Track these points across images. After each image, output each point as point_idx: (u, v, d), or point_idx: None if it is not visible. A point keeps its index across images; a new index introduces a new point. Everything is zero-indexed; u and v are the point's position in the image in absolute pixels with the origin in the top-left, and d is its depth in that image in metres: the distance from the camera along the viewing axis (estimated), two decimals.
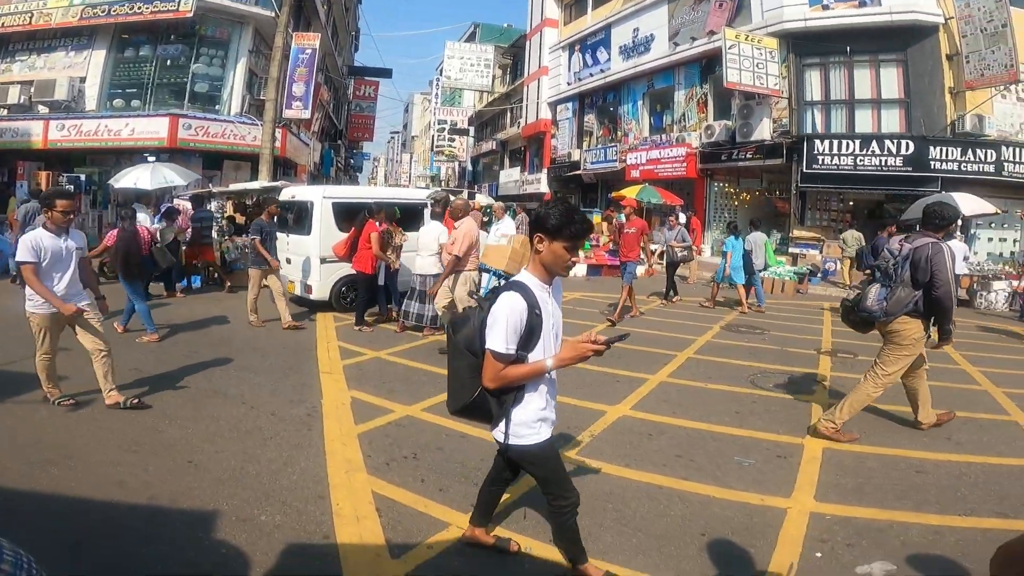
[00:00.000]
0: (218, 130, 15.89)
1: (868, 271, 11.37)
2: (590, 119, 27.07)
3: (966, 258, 13.21)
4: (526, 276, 2.61)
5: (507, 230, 10.35)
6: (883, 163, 15.56)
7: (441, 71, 40.23)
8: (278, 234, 9.00)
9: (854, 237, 15.41)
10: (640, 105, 23.69)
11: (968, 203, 13.43)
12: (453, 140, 44.51)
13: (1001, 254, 16.39)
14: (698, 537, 3.39)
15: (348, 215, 8.99)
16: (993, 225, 16.32)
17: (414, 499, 3.69)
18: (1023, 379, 7.13)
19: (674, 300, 11.93)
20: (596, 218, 21.15)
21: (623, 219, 9.35)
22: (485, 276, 10.06)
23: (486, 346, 2.51)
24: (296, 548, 3.16)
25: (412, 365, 6.72)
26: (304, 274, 9.42)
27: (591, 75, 26.15)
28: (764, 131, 17.76)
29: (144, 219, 10.08)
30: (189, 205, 12.39)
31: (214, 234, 11.81)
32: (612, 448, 4.61)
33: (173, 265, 10.14)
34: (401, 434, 4.73)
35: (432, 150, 51.19)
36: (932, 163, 15.23)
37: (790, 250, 16.54)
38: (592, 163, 25.60)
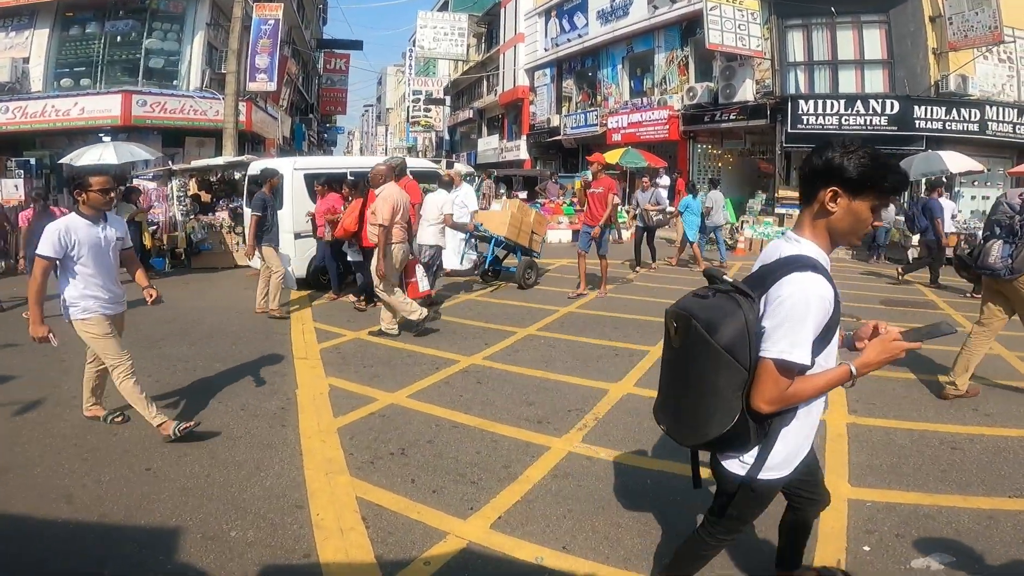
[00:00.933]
0: (176, 106, 15.02)
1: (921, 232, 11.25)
2: (568, 84, 26.38)
3: (953, 216, 13.02)
4: (811, 247, 1.85)
5: (466, 199, 9.13)
6: (868, 123, 15.29)
7: (414, 42, 38.92)
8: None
9: None
10: (620, 69, 23.08)
11: (956, 161, 13.24)
12: (429, 110, 43.42)
13: (984, 212, 16.30)
14: None
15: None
16: (976, 183, 16.22)
17: (405, 504, 3.25)
18: None
19: (653, 267, 11.43)
20: (578, 183, 20.71)
21: (589, 176, 8.53)
22: (471, 245, 9.62)
23: (771, 355, 1.74)
24: (273, 570, 2.71)
25: (394, 346, 6.23)
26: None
27: (568, 40, 25.41)
28: (747, 92, 17.37)
29: None
30: (152, 185, 11.65)
31: (176, 214, 11.12)
32: (621, 432, 4.20)
33: None
34: (386, 426, 4.27)
35: (408, 121, 49.97)
36: (917, 122, 15.03)
37: (776, 210, 16.25)
38: (572, 128, 25.04)
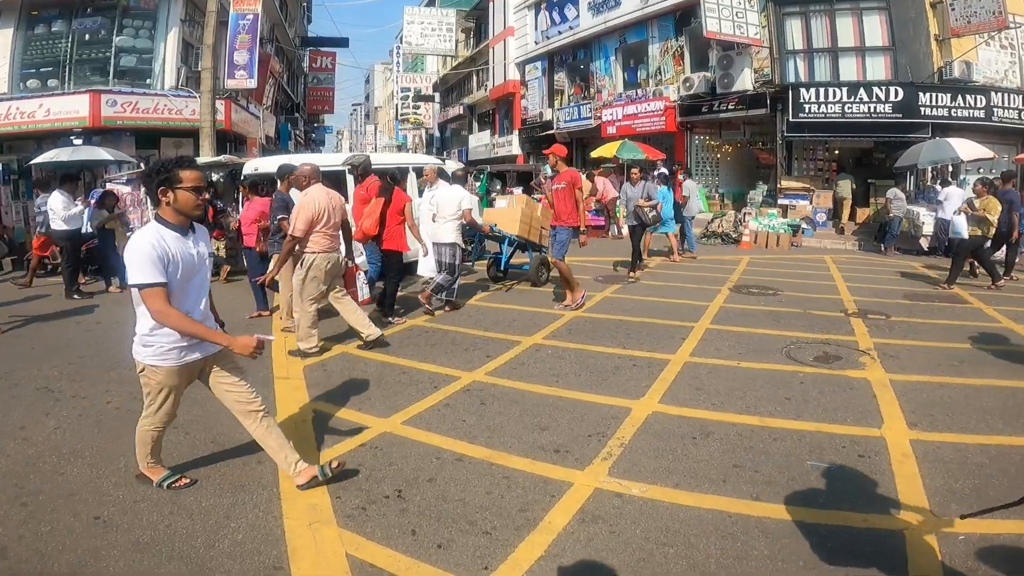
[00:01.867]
0: (149, 105, 14.26)
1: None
2: (560, 78, 25.79)
3: None
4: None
5: (447, 199, 7.42)
6: (872, 110, 14.80)
7: (401, 38, 38.18)
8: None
9: (846, 182, 15.73)
10: (613, 61, 22.51)
11: (966, 148, 12.81)
12: (418, 107, 42.72)
13: None
14: None
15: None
16: (981, 170, 15.77)
17: (406, 564, 2.67)
18: None
19: (639, 270, 10.02)
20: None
21: (548, 171, 7.71)
22: (477, 243, 9.05)
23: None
24: None
25: (387, 360, 5.63)
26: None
27: (559, 33, 24.80)
28: (746, 82, 16.86)
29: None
30: (127, 189, 10.97)
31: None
32: (652, 460, 3.64)
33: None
34: (379, 461, 3.68)
35: (397, 119, 49.23)
36: (922, 109, 14.58)
37: (779, 202, 15.77)
38: (566, 122, 24.48)
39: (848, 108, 14.90)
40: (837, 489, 3.29)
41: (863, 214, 15.65)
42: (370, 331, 5.89)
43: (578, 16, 23.56)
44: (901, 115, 14.52)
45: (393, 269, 6.95)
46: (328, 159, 11.02)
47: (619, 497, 3.21)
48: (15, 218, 12.87)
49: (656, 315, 7.07)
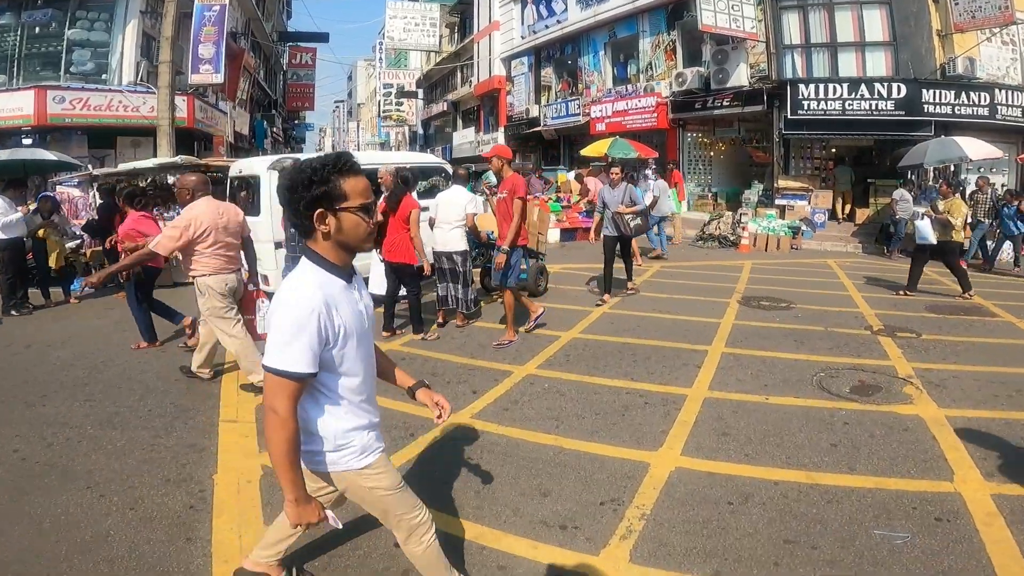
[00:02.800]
0: (102, 102, 13.20)
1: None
2: (547, 73, 25.02)
3: None
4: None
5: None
6: (874, 107, 14.20)
7: (384, 34, 37.20)
8: None
9: (846, 175, 15.49)
10: (602, 56, 21.77)
11: (974, 147, 12.21)
12: (401, 104, 41.72)
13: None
14: None
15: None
16: (982, 169, 15.29)
17: None
18: None
19: (630, 288, 8.34)
20: (562, 176, 19.42)
21: (491, 179, 6.68)
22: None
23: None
24: None
25: None
26: (260, 263, 7.60)
27: (547, 27, 24.01)
28: (741, 77, 16.20)
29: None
30: (76, 192, 10.03)
31: None
32: (684, 538, 2.88)
33: None
34: (341, 546, 2.88)
35: (379, 116, 48.19)
36: (925, 107, 13.99)
37: (776, 202, 15.13)
38: (553, 118, 23.72)
39: (848, 105, 14.29)
40: (918, 570, 2.57)
41: (863, 215, 15.06)
42: (258, 377, 4.81)
43: (566, 10, 22.80)
44: (904, 112, 13.94)
45: (408, 283, 6.34)
46: (391, 157, 10.39)
47: None
48: None
49: (663, 336, 6.31)
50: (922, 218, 8.29)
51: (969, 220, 11.87)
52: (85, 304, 8.32)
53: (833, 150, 16.38)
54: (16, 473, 3.58)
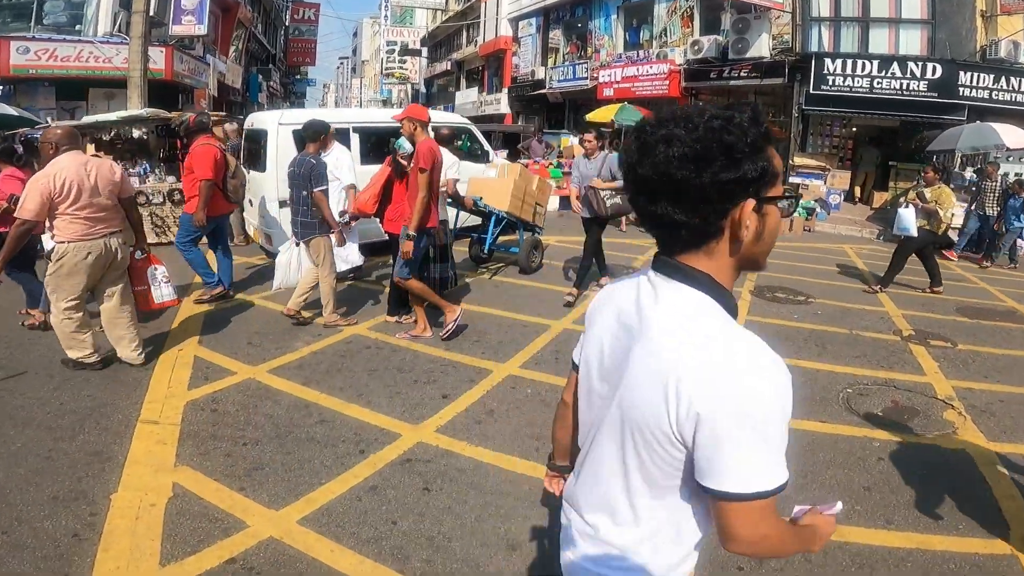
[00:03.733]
0: (70, 52, 12.26)
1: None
2: (556, 35, 23.79)
3: None
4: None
5: (336, 168, 6.07)
6: (904, 87, 13.20)
7: None
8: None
9: (872, 156, 14.58)
10: (614, 20, 20.58)
11: (1012, 135, 11.30)
12: (404, 62, 40.31)
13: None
14: None
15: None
16: (1011, 159, 14.41)
17: None
18: None
19: (602, 282, 6.79)
20: (565, 140, 18.51)
21: (403, 148, 5.69)
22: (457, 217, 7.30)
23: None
24: None
25: (304, 396, 4.12)
26: (264, 221, 7.34)
27: None
28: (762, 48, 15.16)
29: None
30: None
31: None
32: None
33: None
34: None
35: (382, 73, 46.75)
36: (961, 90, 12.97)
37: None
38: (559, 81, 22.62)
39: (877, 83, 13.31)
40: None
41: (880, 198, 14.23)
42: (130, 353, 4.46)
43: None
44: (937, 94, 12.95)
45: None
46: (367, 115, 9.68)
47: None
48: None
49: None
50: (906, 206, 7.38)
51: (977, 210, 11.10)
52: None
53: (854, 129, 15.46)
54: None
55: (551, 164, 13.90)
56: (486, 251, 7.49)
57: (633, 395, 1.06)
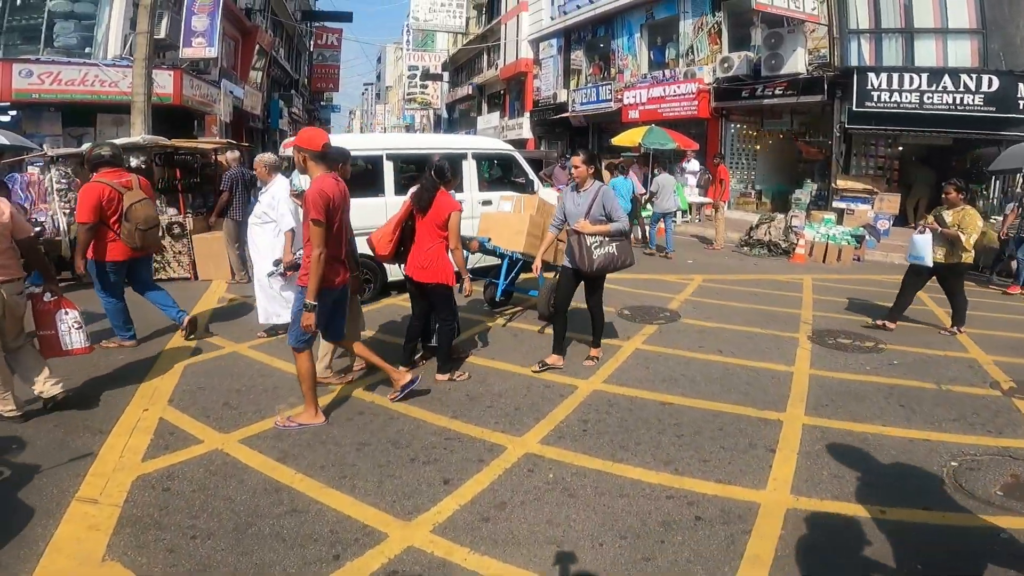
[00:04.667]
0: (75, 76, 11.90)
1: None
2: (577, 56, 23.29)
3: None
4: None
5: (273, 204, 5.47)
6: (958, 101, 12.24)
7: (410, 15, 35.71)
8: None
9: (927, 178, 13.43)
10: (637, 39, 19.99)
11: None
12: (426, 86, 40.27)
13: None
14: None
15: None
16: None
17: None
18: None
19: (591, 357, 5.31)
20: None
21: (296, 185, 5.12)
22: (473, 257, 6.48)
23: None
24: None
25: (274, 477, 3.34)
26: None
27: (578, 7, 22.30)
28: (798, 63, 14.33)
29: None
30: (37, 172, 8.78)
31: (58, 212, 8.26)
32: None
33: None
34: None
35: (404, 99, 46.89)
36: (1021, 103, 11.97)
37: (834, 204, 13.30)
38: (582, 104, 21.98)
39: (927, 98, 12.38)
40: None
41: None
42: (45, 387, 3.97)
43: None
44: (994, 108, 11.97)
45: (441, 308, 4.76)
46: (447, 140, 9.14)
47: None
48: None
49: (717, 392, 4.68)
50: (922, 231, 6.33)
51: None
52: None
53: (900, 148, 14.44)
54: None
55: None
56: (499, 296, 6.68)
57: None
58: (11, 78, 11.36)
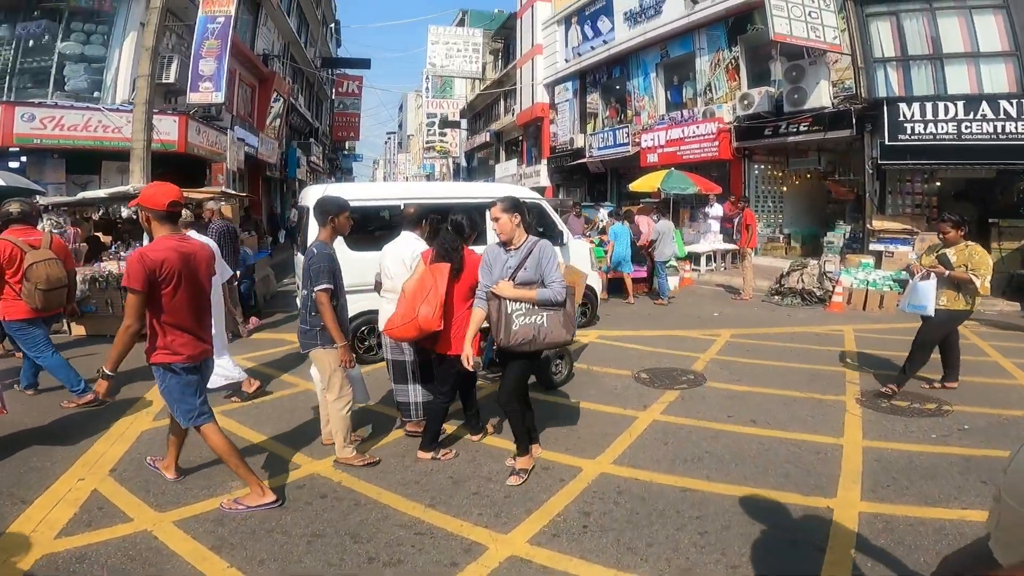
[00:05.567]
0: (78, 121, 11.58)
1: None
2: (593, 99, 23.01)
3: None
4: None
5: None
6: (1000, 130, 11.43)
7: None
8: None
9: (968, 211, 11.71)
10: (653, 78, 19.62)
11: None
12: (444, 134, 40.56)
13: None
14: None
15: (359, 226, 5.71)
16: None
17: None
18: None
19: (515, 472, 4.15)
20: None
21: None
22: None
23: None
24: None
25: (204, 571, 2.70)
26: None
27: (592, 48, 22.13)
28: (822, 97, 13.71)
29: None
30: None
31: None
32: None
33: None
34: None
35: (424, 147, 47.41)
36: None
37: (870, 247, 12.38)
38: (599, 149, 21.51)
39: (966, 128, 11.60)
40: None
41: None
42: None
43: (612, 29, 20.89)
44: None
45: (445, 383, 4.12)
46: (469, 189, 8.65)
47: None
48: None
49: (750, 472, 3.86)
50: (924, 276, 5.30)
51: None
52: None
53: (937, 183, 13.58)
54: None
55: (592, 241, 12.37)
56: (484, 364, 5.67)
57: None
58: (13, 122, 11.11)
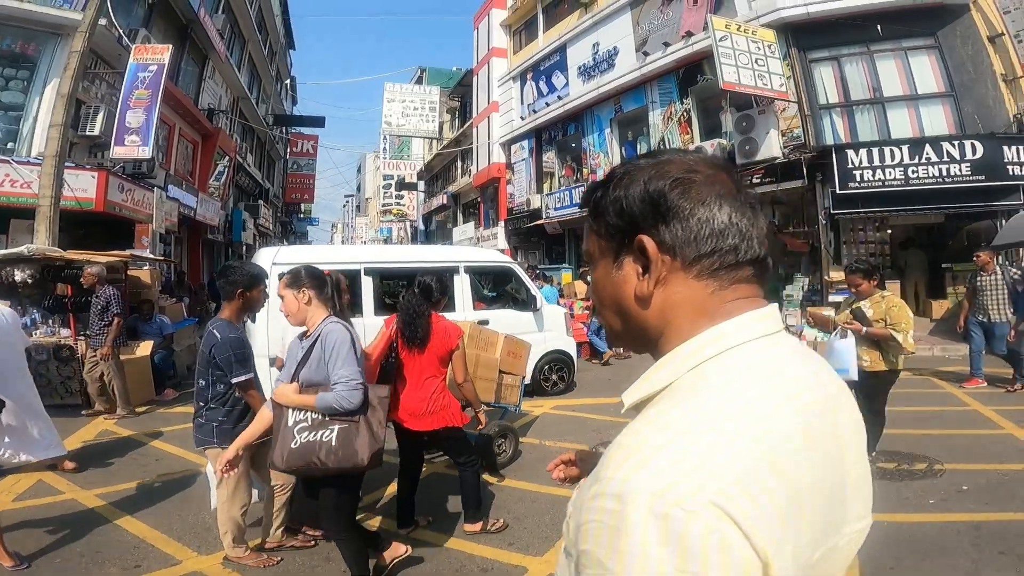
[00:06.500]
0: None
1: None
2: (550, 157, 22.95)
3: None
4: None
5: None
6: (944, 172, 11.42)
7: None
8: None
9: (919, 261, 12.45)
10: (608, 134, 19.68)
11: None
12: (401, 196, 40.07)
13: None
14: None
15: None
16: None
17: None
18: None
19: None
20: (566, 276, 16.28)
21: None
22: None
23: None
24: None
25: None
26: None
27: (547, 104, 22.22)
28: (772, 147, 13.70)
29: None
30: None
31: None
32: None
33: None
34: None
35: (380, 210, 46.93)
36: (1010, 168, 11.23)
37: (830, 299, 12.06)
38: (556, 209, 21.12)
39: (912, 172, 11.57)
40: None
41: (940, 307, 12.02)
42: None
43: (567, 84, 21.06)
44: (984, 177, 11.13)
45: (459, 452, 3.76)
46: (442, 253, 8.69)
47: None
48: None
49: None
50: (841, 335, 4.53)
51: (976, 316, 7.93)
52: None
53: (888, 231, 13.51)
54: None
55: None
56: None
57: None
58: None
